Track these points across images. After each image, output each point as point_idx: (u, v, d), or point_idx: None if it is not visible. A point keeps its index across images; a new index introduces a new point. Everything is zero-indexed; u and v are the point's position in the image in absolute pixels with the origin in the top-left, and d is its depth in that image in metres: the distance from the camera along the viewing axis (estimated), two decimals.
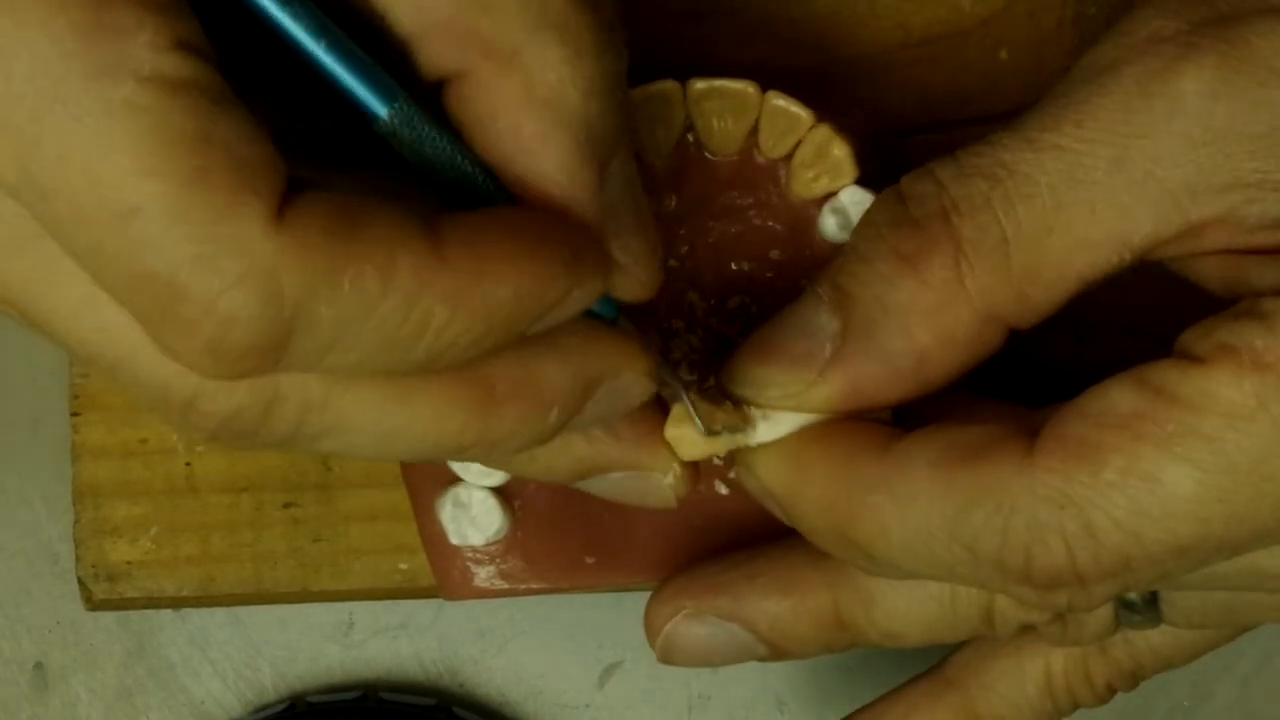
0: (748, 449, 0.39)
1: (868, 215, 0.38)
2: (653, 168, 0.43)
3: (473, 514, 0.44)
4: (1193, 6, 0.36)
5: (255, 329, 0.32)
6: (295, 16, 0.35)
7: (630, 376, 0.38)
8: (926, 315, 0.36)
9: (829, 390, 0.37)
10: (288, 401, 0.35)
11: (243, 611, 0.51)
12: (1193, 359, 0.35)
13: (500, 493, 0.44)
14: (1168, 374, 0.35)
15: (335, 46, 0.35)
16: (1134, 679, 0.44)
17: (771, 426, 0.39)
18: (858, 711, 0.45)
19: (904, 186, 0.38)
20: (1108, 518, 0.35)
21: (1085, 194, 0.35)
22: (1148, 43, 0.36)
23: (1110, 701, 0.44)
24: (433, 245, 0.33)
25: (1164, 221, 0.36)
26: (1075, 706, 0.44)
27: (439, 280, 0.33)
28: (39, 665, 0.52)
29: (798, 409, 0.38)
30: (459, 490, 0.44)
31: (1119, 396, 0.35)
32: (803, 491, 0.39)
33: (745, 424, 0.39)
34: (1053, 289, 0.36)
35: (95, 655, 0.52)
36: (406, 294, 0.33)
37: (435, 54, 0.35)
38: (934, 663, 0.45)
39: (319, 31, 0.35)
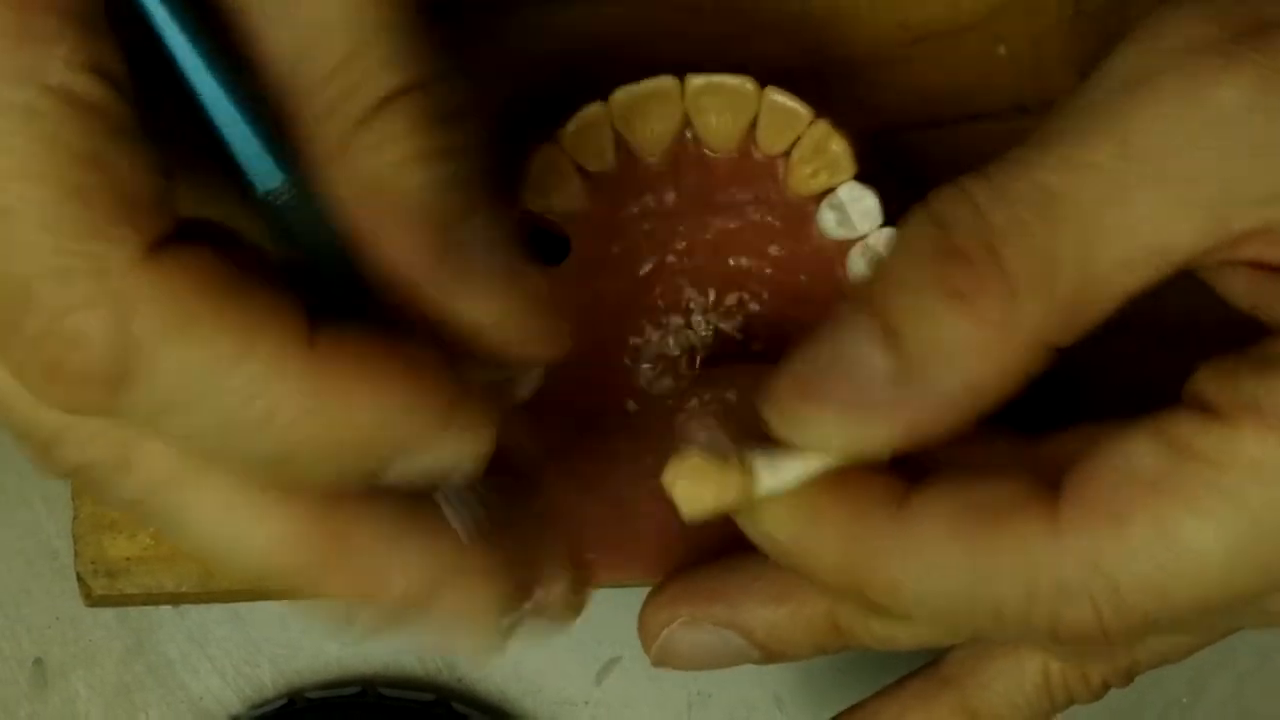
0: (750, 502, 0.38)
1: (908, 242, 0.36)
2: (650, 164, 0.43)
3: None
4: (1231, 12, 0.36)
5: (95, 357, 0.32)
6: (206, 70, 0.35)
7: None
8: (981, 352, 0.35)
9: (888, 434, 0.36)
10: (137, 471, 0.35)
11: (242, 608, 0.51)
12: (1213, 413, 0.35)
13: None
14: (1189, 428, 0.35)
15: (240, 106, 0.35)
16: (1129, 676, 0.44)
17: (775, 474, 0.37)
18: (851, 709, 0.45)
19: (941, 211, 0.36)
20: (1135, 580, 0.35)
21: (1126, 214, 0.35)
22: (1185, 53, 0.35)
23: (1105, 697, 0.44)
24: (303, 339, 0.33)
25: (1205, 235, 0.35)
26: (1071, 703, 0.44)
27: (296, 374, 0.33)
28: (38, 662, 0.52)
29: (850, 456, 0.37)
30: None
31: (1140, 453, 0.35)
32: (813, 549, 0.38)
33: (751, 478, 0.37)
34: (1097, 308, 0.36)
35: (94, 652, 0.52)
36: (257, 375, 0.33)
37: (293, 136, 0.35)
38: (930, 659, 0.45)
39: (227, 88, 0.35)
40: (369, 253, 0.35)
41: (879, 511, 0.37)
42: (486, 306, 0.35)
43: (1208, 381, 0.36)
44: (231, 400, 0.33)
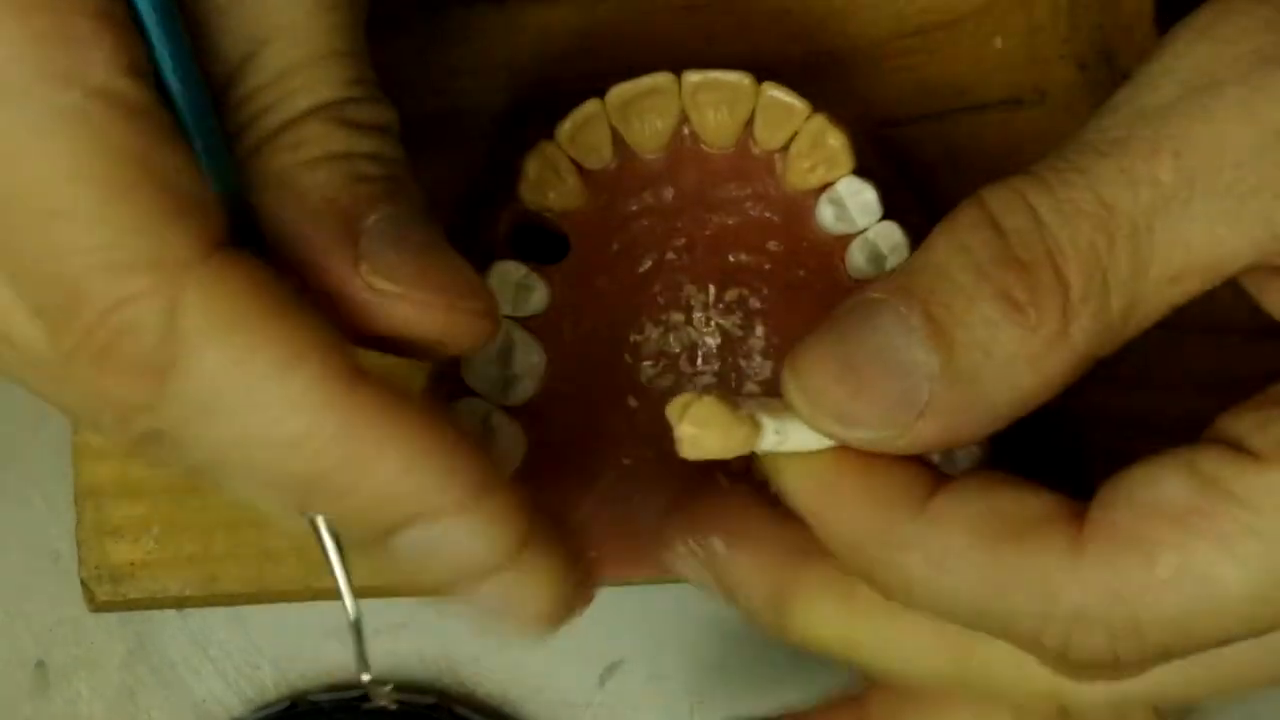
0: (777, 455, 0.38)
1: (962, 241, 0.35)
2: (649, 161, 0.43)
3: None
4: None
5: (143, 345, 0.32)
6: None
7: None
8: (1032, 363, 0.35)
9: (923, 435, 0.35)
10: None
11: (244, 610, 0.51)
12: (1249, 453, 0.35)
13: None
14: (1222, 466, 0.35)
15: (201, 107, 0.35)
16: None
17: (781, 437, 0.37)
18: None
19: (999, 215, 0.35)
20: (1157, 615, 0.35)
21: (1183, 230, 0.35)
22: (1252, 62, 0.35)
23: None
24: (347, 375, 0.33)
25: (1257, 250, 0.35)
26: None
27: (335, 405, 0.33)
28: (40, 664, 0.52)
29: (882, 450, 0.36)
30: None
31: (1171, 486, 0.35)
32: (830, 519, 0.37)
33: (756, 434, 0.37)
34: (1143, 320, 0.36)
35: (96, 654, 0.52)
36: (296, 393, 0.33)
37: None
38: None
39: (191, 87, 0.35)
40: (284, 247, 0.35)
41: (903, 502, 0.37)
42: (401, 291, 0.35)
43: (1241, 421, 0.35)
44: (267, 413, 0.33)
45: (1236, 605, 0.34)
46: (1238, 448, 0.35)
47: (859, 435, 0.36)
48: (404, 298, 0.35)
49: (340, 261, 0.35)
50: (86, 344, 0.33)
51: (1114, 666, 0.36)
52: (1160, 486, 0.35)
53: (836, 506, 0.37)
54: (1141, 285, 0.35)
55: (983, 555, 0.36)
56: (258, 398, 0.33)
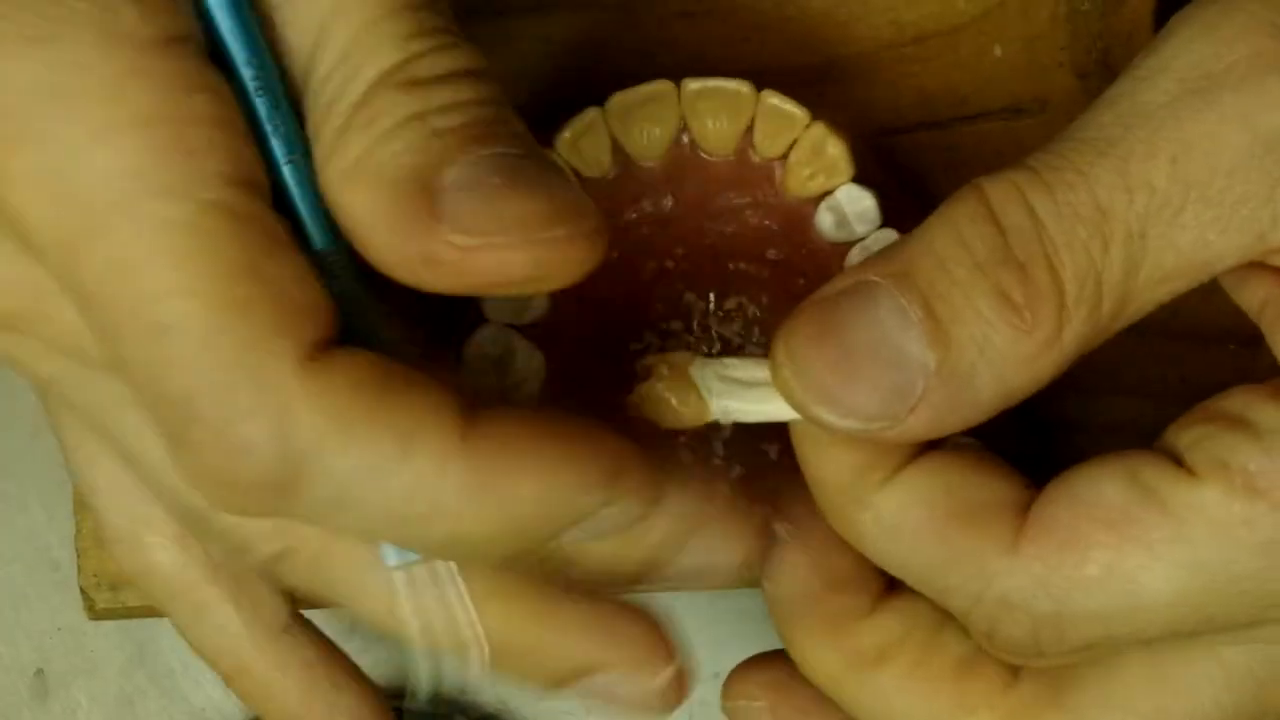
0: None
1: (961, 234, 0.36)
2: (648, 169, 0.43)
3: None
4: None
5: (261, 465, 0.32)
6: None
7: None
8: (1025, 362, 0.36)
9: (912, 428, 0.36)
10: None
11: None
12: (1185, 467, 0.36)
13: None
14: (1161, 478, 0.36)
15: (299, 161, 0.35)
16: None
17: (740, 409, 0.38)
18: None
19: (998, 210, 0.36)
20: (1082, 610, 0.36)
21: (1174, 235, 0.35)
22: (1251, 66, 0.35)
23: None
24: (461, 432, 0.33)
25: (1246, 253, 0.35)
26: None
27: (455, 470, 0.33)
28: (39, 672, 0.52)
29: (867, 439, 0.37)
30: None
31: (1111, 491, 0.36)
32: (814, 465, 0.39)
33: (707, 407, 0.38)
34: (1130, 318, 0.36)
35: (96, 662, 0.52)
36: (417, 475, 0.33)
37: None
38: None
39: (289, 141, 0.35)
40: (360, 238, 0.34)
41: (879, 464, 0.38)
42: (480, 242, 0.34)
43: (1184, 435, 0.36)
44: (396, 499, 0.33)
45: (1157, 609, 0.36)
46: (1178, 460, 0.36)
47: (849, 425, 0.36)
48: (483, 247, 0.34)
49: (423, 229, 0.34)
50: (203, 462, 0.33)
51: (1036, 655, 0.37)
52: (1100, 489, 0.36)
53: (821, 455, 0.38)
54: (1131, 286, 0.35)
55: (930, 531, 0.37)
56: (382, 491, 0.33)
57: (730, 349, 0.44)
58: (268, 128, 0.35)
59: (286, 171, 0.35)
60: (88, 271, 0.33)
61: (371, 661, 0.52)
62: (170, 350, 0.32)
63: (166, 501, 0.38)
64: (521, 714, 0.52)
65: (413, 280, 0.34)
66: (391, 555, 0.36)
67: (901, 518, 0.38)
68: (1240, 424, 0.36)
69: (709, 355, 0.43)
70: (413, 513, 0.33)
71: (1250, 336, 0.38)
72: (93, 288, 0.33)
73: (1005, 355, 0.35)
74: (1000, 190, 0.36)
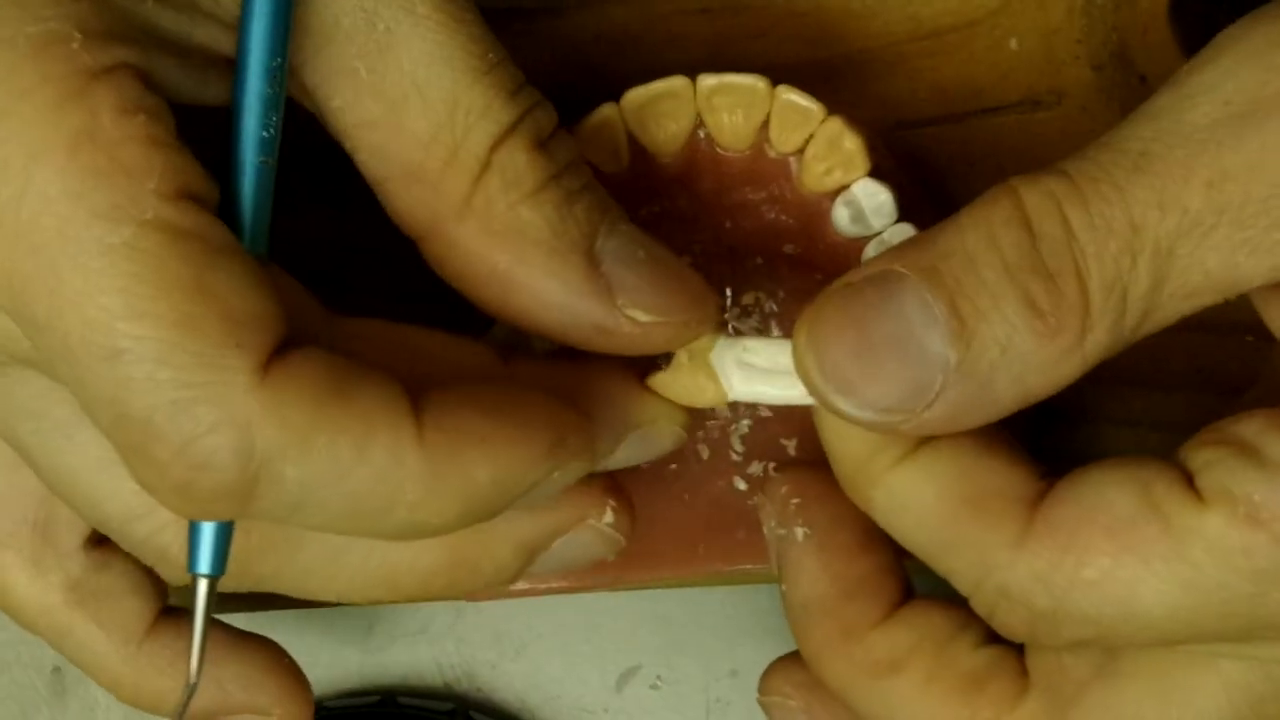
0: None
1: (993, 234, 0.36)
2: (664, 165, 0.43)
3: None
4: None
5: (223, 478, 0.33)
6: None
7: (591, 529, 0.40)
8: (1043, 369, 0.36)
9: (927, 423, 0.37)
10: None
11: (260, 617, 0.51)
12: (1193, 487, 0.36)
13: None
14: (1170, 497, 0.36)
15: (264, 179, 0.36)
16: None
17: (753, 392, 0.39)
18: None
19: (1031, 215, 0.36)
20: (1078, 611, 0.37)
21: (1203, 255, 0.35)
22: None
23: None
24: (414, 425, 0.34)
25: (1273, 275, 0.36)
26: None
27: (413, 460, 0.34)
28: (57, 670, 0.52)
29: (881, 431, 0.38)
30: None
31: (1118, 498, 0.37)
32: (834, 438, 0.40)
33: (721, 391, 0.40)
34: (1153, 330, 0.37)
35: None
36: (378, 469, 0.34)
37: (400, 208, 0.37)
38: None
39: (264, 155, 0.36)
40: (517, 297, 0.37)
41: (895, 443, 0.39)
42: (639, 301, 0.37)
43: (1197, 456, 0.37)
44: (356, 495, 0.34)
45: (1149, 620, 0.36)
46: (1190, 480, 0.37)
47: (866, 416, 0.37)
48: (660, 325, 0.38)
49: (597, 302, 0.37)
50: (165, 477, 0.34)
51: (1033, 640, 0.39)
52: (1109, 497, 0.37)
53: (839, 429, 0.39)
54: (1156, 300, 0.36)
55: (939, 514, 0.38)
56: (341, 491, 0.34)
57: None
58: (255, 120, 0.35)
59: (255, 167, 0.36)
60: (35, 301, 0.33)
61: (389, 660, 0.52)
62: (125, 372, 0.33)
63: (78, 507, 0.39)
64: (540, 714, 0.52)
65: (571, 341, 0.38)
66: (204, 563, 0.37)
67: (912, 497, 0.38)
68: (1250, 452, 0.36)
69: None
70: (371, 506, 0.34)
71: (1267, 329, 0.38)
72: (41, 315, 0.33)
73: (1026, 359, 0.36)
74: (1036, 196, 0.36)
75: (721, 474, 0.44)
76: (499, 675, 0.52)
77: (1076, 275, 0.35)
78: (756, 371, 0.39)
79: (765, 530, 0.43)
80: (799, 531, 0.42)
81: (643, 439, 0.40)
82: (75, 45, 0.33)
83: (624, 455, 0.40)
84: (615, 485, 0.41)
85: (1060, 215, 0.36)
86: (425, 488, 0.34)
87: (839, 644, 0.41)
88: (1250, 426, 0.37)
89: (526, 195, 0.37)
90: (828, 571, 0.42)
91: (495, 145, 0.37)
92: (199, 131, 0.35)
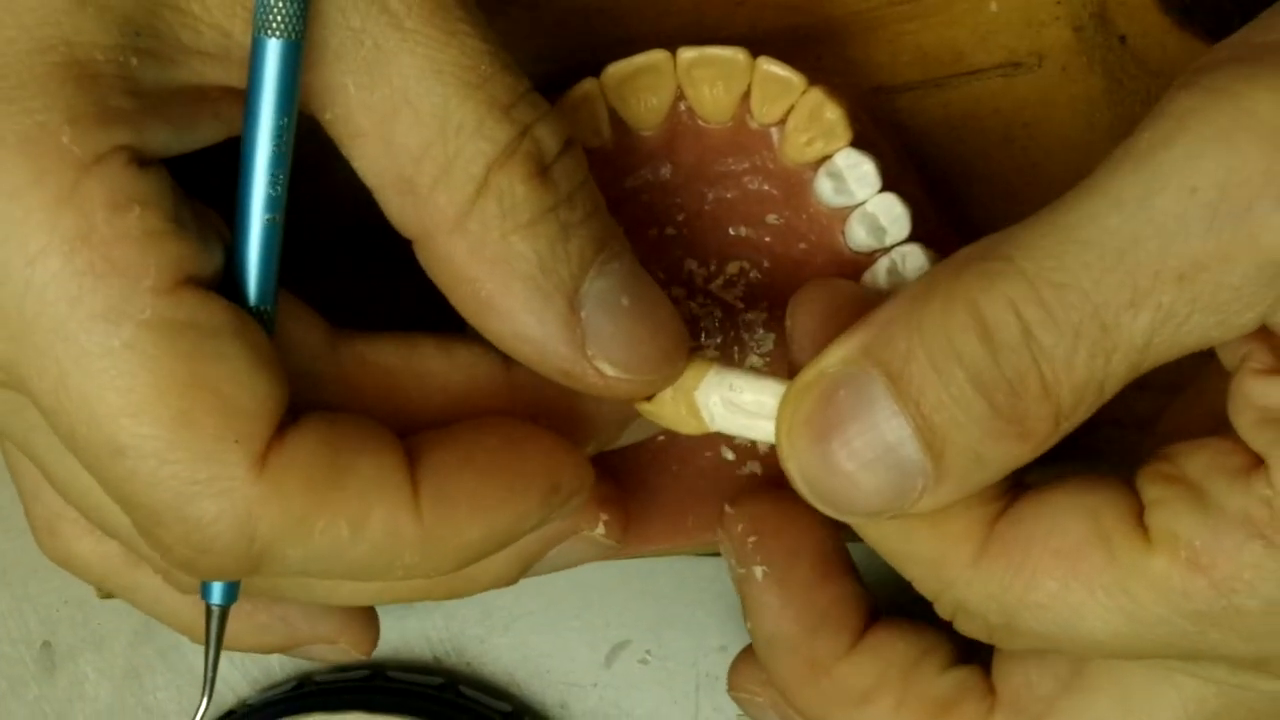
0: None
1: (953, 342, 0.36)
2: (646, 138, 0.43)
3: None
4: None
5: (227, 560, 0.35)
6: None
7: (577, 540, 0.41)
8: (1017, 460, 0.37)
9: (915, 512, 0.37)
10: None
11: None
12: (1142, 523, 0.37)
13: None
14: (1118, 530, 0.37)
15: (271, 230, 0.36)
16: None
17: (735, 425, 0.39)
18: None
19: (991, 326, 0.35)
20: (1028, 628, 0.38)
21: (1179, 339, 0.35)
22: (1265, 183, 0.34)
23: None
24: (410, 497, 0.36)
25: (1246, 329, 0.36)
26: None
27: (410, 532, 0.36)
28: (46, 645, 0.52)
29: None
30: None
31: (1069, 523, 0.37)
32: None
33: (703, 423, 0.40)
34: (1116, 390, 0.37)
35: (103, 635, 0.52)
36: (375, 543, 0.36)
37: (393, 215, 0.37)
38: None
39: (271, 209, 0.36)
40: (494, 322, 0.37)
41: None
42: (610, 366, 0.38)
43: (1151, 487, 0.37)
44: (356, 562, 0.36)
45: (1095, 640, 0.38)
46: (1140, 510, 0.37)
47: (854, 520, 0.38)
48: (625, 382, 0.38)
49: (572, 349, 0.37)
50: (171, 553, 0.35)
51: (992, 644, 0.40)
52: (1062, 521, 0.38)
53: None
54: (1124, 373, 0.36)
55: (898, 528, 0.38)
56: (342, 561, 0.36)
57: (732, 314, 0.44)
58: (263, 179, 0.36)
59: (263, 224, 0.36)
60: (43, 394, 0.34)
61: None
62: (130, 467, 0.34)
63: (91, 518, 0.39)
64: (529, 688, 0.52)
65: (538, 371, 0.38)
66: (216, 594, 0.39)
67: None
68: (1197, 495, 0.37)
69: (719, 348, 0.44)
70: (371, 569, 0.36)
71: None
72: (48, 405, 0.34)
73: (1000, 460, 0.36)
74: (993, 307, 0.35)
75: (710, 445, 0.44)
76: (488, 650, 0.52)
77: (1041, 382, 0.36)
78: (740, 414, 0.39)
79: (728, 568, 0.43)
80: (757, 571, 0.42)
81: (645, 421, 0.41)
82: (65, 139, 0.33)
83: (627, 438, 0.41)
84: (608, 496, 0.42)
85: (1020, 324, 0.35)
86: (421, 551, 0.36)
87: (807, 677, 0.42)
88: (1198, 463, 0.37)
89: (521, 226, 0.37)
90: (789, 608, 0.42)
91: (492, 166, 0.36)
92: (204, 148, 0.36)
